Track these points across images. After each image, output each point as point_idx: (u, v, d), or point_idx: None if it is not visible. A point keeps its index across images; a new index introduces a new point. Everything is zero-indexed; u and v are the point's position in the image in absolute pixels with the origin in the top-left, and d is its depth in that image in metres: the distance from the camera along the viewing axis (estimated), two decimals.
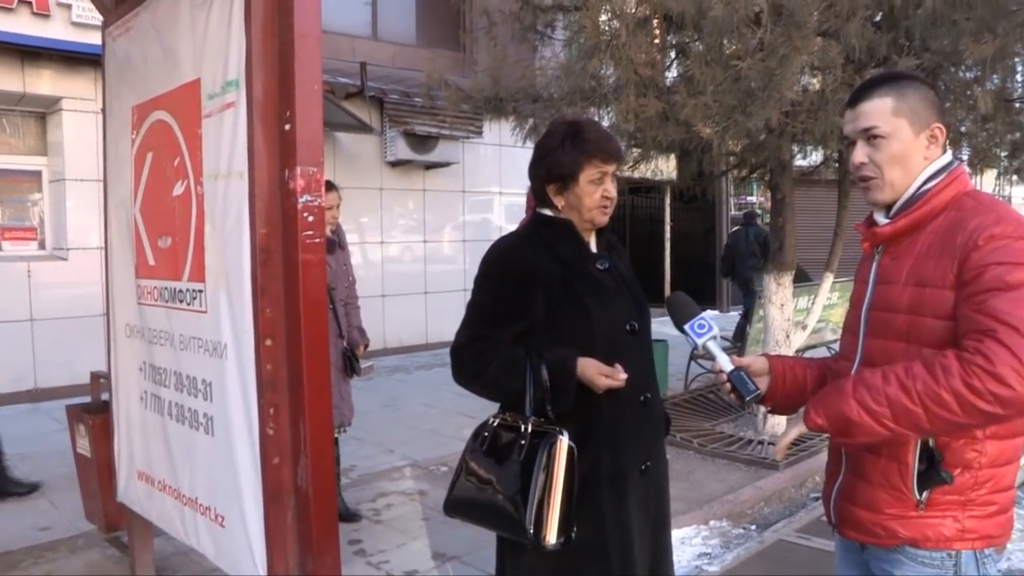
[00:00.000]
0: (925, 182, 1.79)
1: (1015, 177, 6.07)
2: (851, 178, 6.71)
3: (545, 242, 2.31)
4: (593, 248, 2.38)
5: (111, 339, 3.42)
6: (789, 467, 5.71)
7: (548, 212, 2.37)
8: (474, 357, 2.27)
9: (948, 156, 1.83)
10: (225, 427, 2.58)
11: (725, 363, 1.96)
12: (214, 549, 2.72)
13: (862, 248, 1.94)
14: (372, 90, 10.15)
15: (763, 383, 2.00)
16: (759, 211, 14.76)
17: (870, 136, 1.81)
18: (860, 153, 1.84)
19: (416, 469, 5.78)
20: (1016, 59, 4.97)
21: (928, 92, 1.81)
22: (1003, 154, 5.88)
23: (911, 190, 1.80)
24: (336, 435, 4.56)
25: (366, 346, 4.86)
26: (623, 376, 2.18)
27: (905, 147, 1.79)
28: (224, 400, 2.57)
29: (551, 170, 2.30)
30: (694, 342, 2.02)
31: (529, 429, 2.16)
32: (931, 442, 1.71)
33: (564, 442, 2.12)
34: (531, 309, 2.25)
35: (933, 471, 1.70)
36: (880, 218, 1.88)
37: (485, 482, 2.20)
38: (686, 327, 2.03)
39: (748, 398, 1.93)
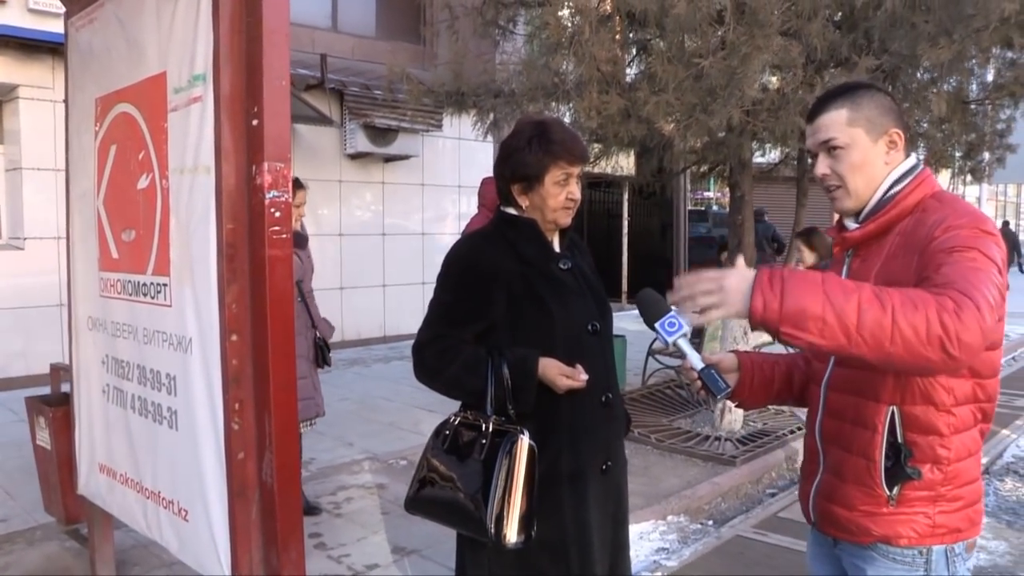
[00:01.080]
0: (892, 186, 1.84)
1: (969, 177, 6.27)
2: (809, 176, 6.92)
3: (508, 241, 2.34)
4: (556, 248, 2.41)
5: (72, 331, 3.39)
6: (746, 463, 5.84)
7: (511, 211, 2.39)
8: (436, 356, 2.29)
9: (912, 159, 1.89)
10: (189, 421, 2.59)
11: (696, 360, 2.00)
12: (177, 543, 2.73)
13: (832, 253, 2.00)
14: (332, 82, 10.11)
15: (732, 379, 2.06)
16: (717, 207, 14.97)
17: (829, 148, 1.86)
18: (822, 165, 1.89)
19: (375, 463, 5.80)
20: (973, 62, 5.13)
21: (884, 99, 1.86)
22: (958, 155, 6.06)
23: (878, 195, 1.85)
24: (308, 427, 4.62)
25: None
26: (584, 377, 2.23)
27: (864, 155, 1.83)
28: (188, 394, 2.59)
29: (516, 170, 2.32)
30: (665, 340, 2.07)
31: (490, 428, 2.20)
32: (899, 437, 1.75)
33: (525, 441, 2.17)
34: (493, 308, 2.28)
35: (899, 467, 1.74)
36: (850, 223, 1.93)
37: (446, 480, 2.24)
38: (657, 325, 2.08)
39: (719, 395, 1.97)
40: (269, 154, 2.36)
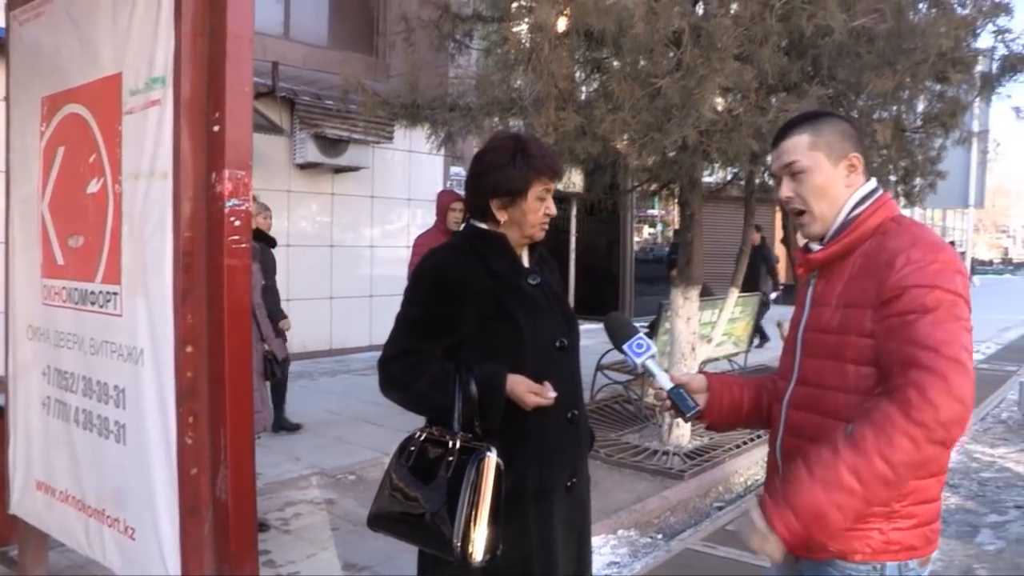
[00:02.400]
0: (853, 208, 1.88)
1: (903, 200, 6.47)
2: (757, 196, 7.03)
3: (478, 255, 2.31)
4: (525, 263, 2.39)
5: (9, 340, 3.24)
6: (694, 477, 5.87)
7: (482, 225, 2.37)
8: (403, 371, 2.25)
9: (872, 183, 1.92)
10: (139, 436, 2.49)
11: (664, 381, 2.01)
12: (121, 562, 2.62)
13: (797, 274, 2.03)
14: (283, 90, 9.95)
15: (701, 400, 2.06)
16: (660, 225, 15.14)
17: (793, 172, 1.92)
18: (786, 188, 1.94)
19: (324, 478, 5.68)
20: (912, 92, 5.31)
21: (843, 125, 1.92)
22: (893, 179, 6.25)
23: (840, 217, 1.89)
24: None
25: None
26: (552, 395, 2.20)
27: (825, 178, 1.88)
28: (139, 407, 2.48)
29: (498, 185, 2.29)
30: (633, 362, 2.06)
31: (457, 445, 2.16)
32: None
33: (492, 459, 2.13)
34: (461, 323, 2.25)
35: None
36: (814, 245, 1.96)
37: (411, 498, 2.19)
38: (625, 347, 2.08)
39: (688, 414, 1.99)
40: (230, 161, 2.28)
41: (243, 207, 2.34)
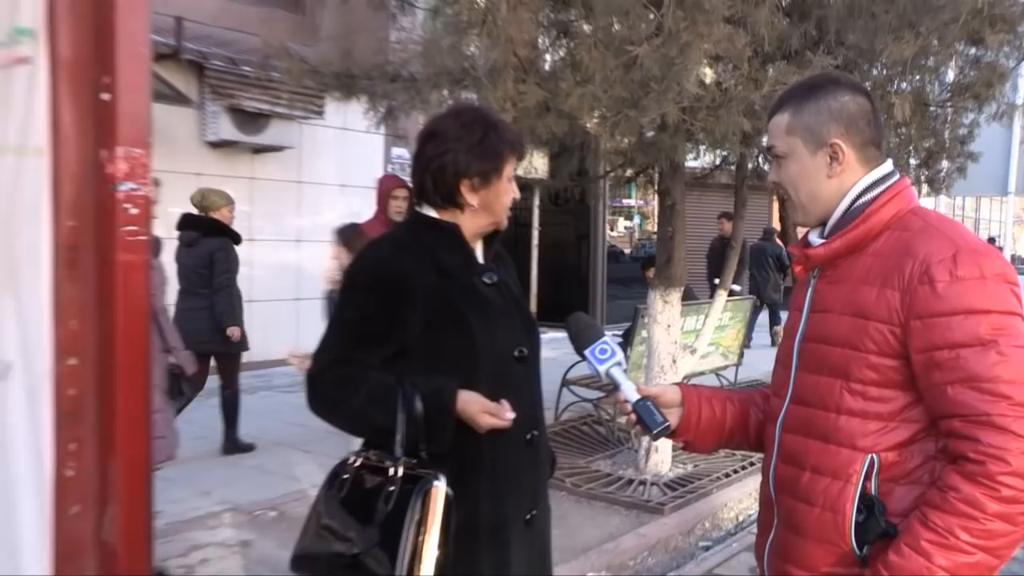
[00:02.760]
0: (860, 195, 1.87)
1: (926, 188, 6.44)
2: (749, 183, 7.09)
3: (425, 248, 2.30)
4: (480, 258, 2.39)
5: None
6: (675, 511, 5.90)
7: (431, 214, 2.35)
8: (335, 384, 2.24)
9: (886, 167, 1.91)
10: (1, 466, 2.41)
11: (630, 392, 2.00)
12: None
13: (794, 273, 2.02)
14: (189, 52, 9.78)
15: (674, 415, 2.05)
16: (638, 217, 15.26)
17: (774, 155, 1.94)
18: (772, 171, 1.97)
19: (238, 515, 5.63)
20: (939, 57, 5.24)
21: (835, 102, 1.87)
22: (915, 162, 6.23)
23: (843, 205, 1.88)
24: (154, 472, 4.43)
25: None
26: (510, 415, 2.20)
27: (803, 167, 1.90)
28: (2, 433, 2.40)
29: (471, 164, 2.29)
30: (596, 369, 2.06)
31: (399, 472, 2.14)
32: (873, 489, 1.76)
33: (441, 488, 2.11)
34: (404, 328, 2.24)
35: (873, 521, 1.74)
36: (815, 238, 1.96)
37: (343, 537, 2.16)
38: (587, 352, 2.07)
39: (655, 431, 1.97)
40: (124, 137, 2.21)
41: (141, 192, 2.27)
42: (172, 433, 4.54)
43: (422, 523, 2.08)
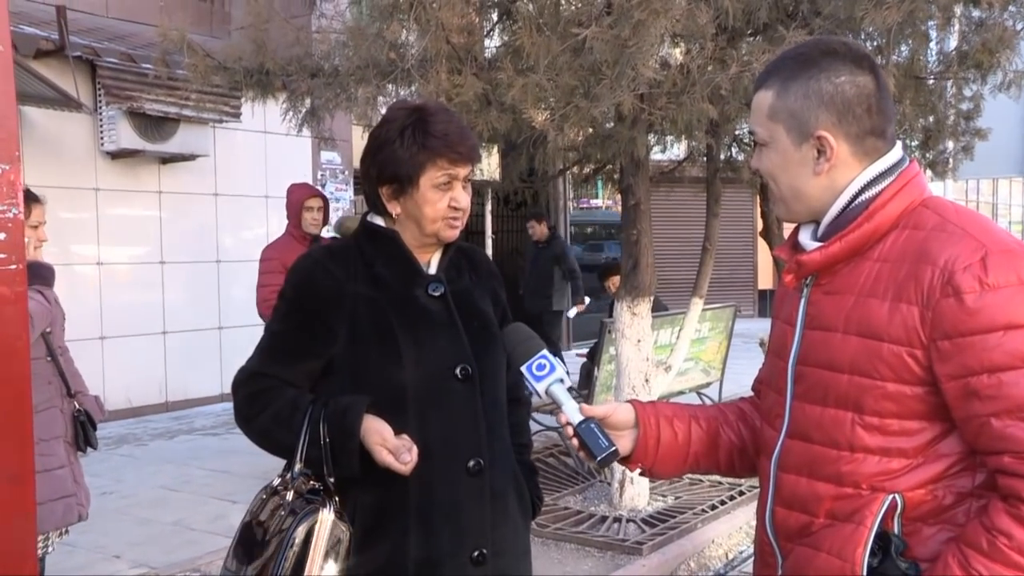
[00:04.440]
0: (862, 190, 1.77)
1: (929, 172, 6.36)
2: (722, 176, 7.15)
3: (364, 259, 2.41)
4: (432, 268, 2.46)
5: None
6: (656, 551, 5.91)
7: (378, 221, 2.46)
8: (247, 399, 2.39)
9: (896, 153, 1.81)
10: None
11: (572, 413, 1.97)
12: None
13: (784, 281, 1.90)
14: (77, 48, 9.61)
15: (627, 439, 2.02)
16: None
17: (755, 140, 1.87)
18: (754, 157, 1.91)
19: None
20: (932, 24, 5.17)
21: (823, 84, 1.76)
22: (913, 144, 6.22)
23: (841, 201, 1.79)
24: (58, 538, 4.40)
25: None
26: (408, 459, 2.22)
27: (785, 160, 1.81)
28: None
29: (384, 168, 2.37)
30: (532, 387, 2.05)
31: (289, 497, 2.24)
32: (896, 528, 1.69)
33: (326, 520, 2.18)
34: (329, 343, 2.35)
35: (889, 563, 1.66)
36: (806, 239, 1.88)
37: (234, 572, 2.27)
38: (523, 369, 2.07)
39: (599, 457, 1.92)
40: None
41: (11, 215, 2.26)
42: (82, 490, 4.50)
43: (301, 559, 2.14)
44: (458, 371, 2.38)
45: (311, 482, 2.27)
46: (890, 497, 1.67)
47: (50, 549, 4.38)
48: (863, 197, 1.77)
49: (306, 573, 2.13)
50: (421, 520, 2.31)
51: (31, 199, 4.28)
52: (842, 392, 1.72)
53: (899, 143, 1.84)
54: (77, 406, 4.56)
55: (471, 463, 2.37)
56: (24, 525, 2.30)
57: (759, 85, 1.86)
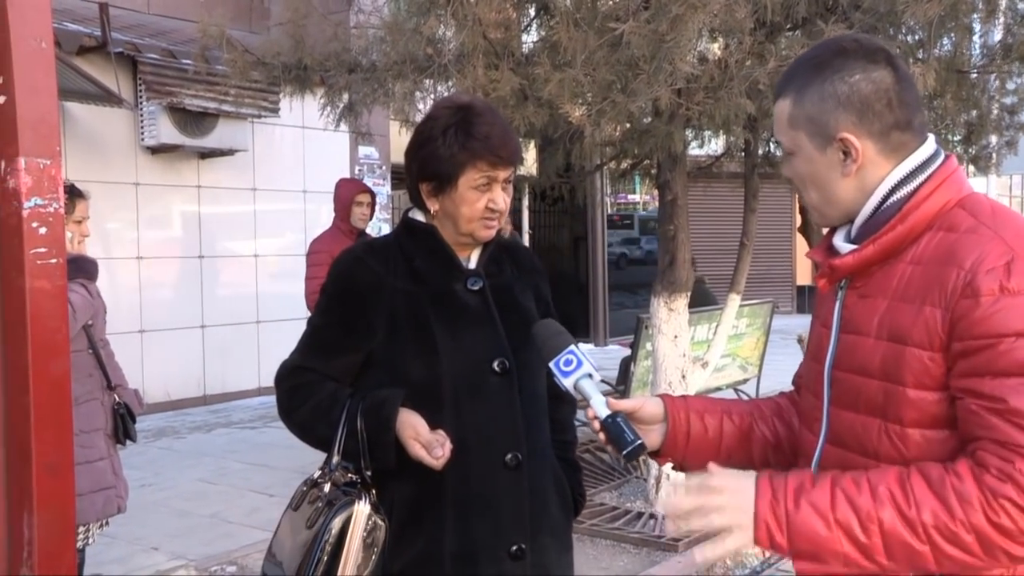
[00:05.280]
0: (894, 189, 1.73)
1: (971, 168, 6.30)
2: (760, 171, 7.09)
3: (404, 253, 2.43)
4: (472, 263, 2.47)
5: None
6: (691, 547, 5.87)
7: (418, 216, 2.49)
8: (288, 392, 2.44)
9: (929, 147, 1.76)
10: None
11: (600, 407, 1.95)
12: None
13: (818, 285, 1.89)
14: (119, 44, 9.74)
15: (656, 433, 2.00)
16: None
17: (782, 149, 1.87)
18: (784, 166, 1.88)
19: (192, 572, 5.60)
20: (975, 17, 5.10)
21: (838, 85, 1.73)
22: (955, 139, 6.14)
23: (872, 201, 1.75)
24: (99, 529, 4.47)
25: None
26: (441, 454, 2.22)
27: (812, 167, 1.79)
28: None
29: (425, 165, 2.39)
30: (561, 383, 2.05)
31: (326, 489, 2.27)
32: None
33: (362, 512, 2.21)
34: (368, 337, 2.38)
35: None
36: (840, 242, 1.84)
37: (277, 561, 2.31)
38: (551, 365, 2.06)
39: (625, 450, 1.90)
40: (27, 146, 2.22)
41: (51, 209, 2.28)
42: (121, 482, 4.55)
43: (337, 550, 2.17)
44: (495, 365, 2.38)
45: (349, 475, 2.29)
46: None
47: (91, 541, 4.43)
48: (896, 196, 1.73)
49: (341, 564, 2.15)
50: (458, 514, 2.32)
51: (76, 194, 4.35)
52: (871, 397, 1.70)
53: (931, 136, 1.80)
54: (117, 399, 4.61)
55: (508, 457, 2.37)
56: (63, 515, 2.32)
57: (777, 95, 1.83)
